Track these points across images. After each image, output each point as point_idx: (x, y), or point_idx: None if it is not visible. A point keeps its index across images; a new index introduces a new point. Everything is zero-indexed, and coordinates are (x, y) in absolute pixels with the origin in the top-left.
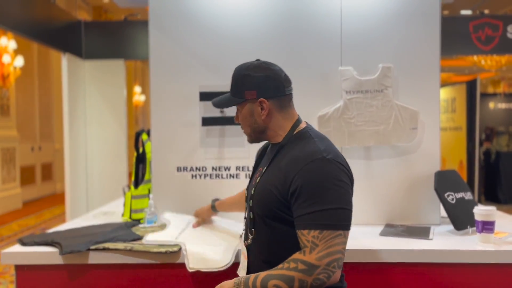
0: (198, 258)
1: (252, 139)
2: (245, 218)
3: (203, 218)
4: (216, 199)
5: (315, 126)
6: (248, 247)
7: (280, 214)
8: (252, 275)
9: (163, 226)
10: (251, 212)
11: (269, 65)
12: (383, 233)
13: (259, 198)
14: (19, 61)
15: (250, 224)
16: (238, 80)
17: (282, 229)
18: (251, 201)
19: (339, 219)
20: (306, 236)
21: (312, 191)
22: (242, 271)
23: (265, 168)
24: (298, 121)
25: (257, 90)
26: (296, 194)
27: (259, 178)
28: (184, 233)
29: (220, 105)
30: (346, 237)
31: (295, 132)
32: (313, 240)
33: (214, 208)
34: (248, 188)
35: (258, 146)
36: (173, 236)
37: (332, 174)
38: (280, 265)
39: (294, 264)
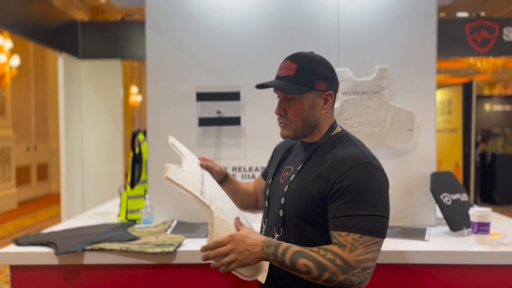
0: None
1: (296, 136)
2: (265, 216)
3: (212, 167)
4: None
5: None
6: None
7: (314, 216)
8: (283, 244)
9: (159, 226)
10: (280, 210)
11: (327, 60)
12: None
13: (294, 198)
14: (15, 61)
15: (278, 222)
16: (306, 69)
17: (311, 231)
18: (282, 199)
19: (380, 226)
20: (344, 237)
21: (357, 195)
22: (263, 272)
23: (300, 167)
24: (335, 124)
25: (327, 82)
26: (337, 195)
27: (293, 176)
28: (206, 189)
29: (283, 89)
30: (381, 245)
31: (332, 134)
32: (353, 242)
33: (227, 178)
34: (270, 185)
35: (256, 146)
36: (198, 188)
37: (377, 181)
38: (315, 249)
39: (331, 256)
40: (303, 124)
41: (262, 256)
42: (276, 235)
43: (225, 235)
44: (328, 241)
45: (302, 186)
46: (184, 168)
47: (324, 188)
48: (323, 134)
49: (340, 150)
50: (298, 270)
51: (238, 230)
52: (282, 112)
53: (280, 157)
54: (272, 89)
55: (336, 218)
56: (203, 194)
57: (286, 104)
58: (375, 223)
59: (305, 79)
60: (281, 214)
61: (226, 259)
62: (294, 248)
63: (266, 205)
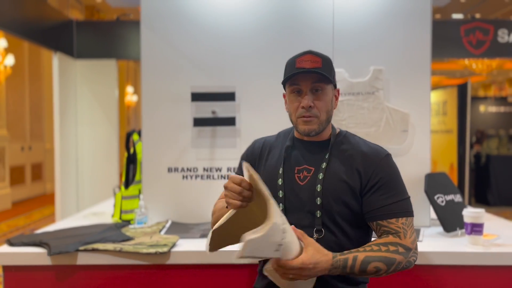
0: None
1: (320, 129)
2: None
3: None
4: None
5: None
6: None
7: (353, 212)
8: (349, 258)
9: (153, 227)
10: (318, 211)
11: None
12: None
13: (334, 196)
14: (10, 60)
15: (317, 224)
16: (328, 63)
17: (348, 228)
18: (318, 199)
19: (411, 206)
20: (395, 223)
21: (392, 184)
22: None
23: (325, 165)
24: None
25: (335, 79)
26: (376, 187)
27: (321, 175)
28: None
29: (324, 76)
30: None
31: (337, 132)
32: (403, 226)
33: None
34: (284, 188)
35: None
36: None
37: (397, 168)
38: (376, 246)
39: (394, 248)
40: (326, 118)
41: (328, 274)
42: (316, 236)
43: (294, 248)
44: (360, 236)
45: (338, 184)
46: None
47: (360, 182)
48: (331, 132)
49: (358, 146)
50: (367, 274)
51: (301, 242)
52: (309, 104)
53: (277, 158)
54: (268, 89)
55: (381, 208)
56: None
57: (313, 96)
58: (409, 205)
59: (330, 72)
60: (318, 215)
61: (291, 276)
62: (360, 256)
63: (281, 207)
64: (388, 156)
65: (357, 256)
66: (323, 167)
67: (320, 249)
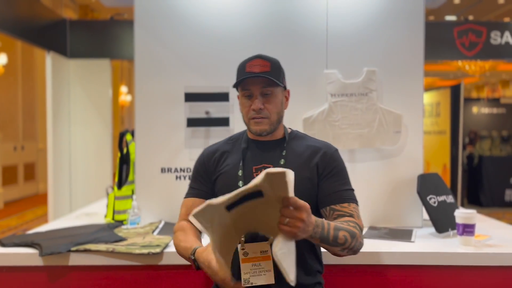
0: None
1: (272, 129)
2: None
3: None
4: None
5: (300, 129)
6: (272, 245)
7: (311, 201)
8: (324, 222)
9: (146, 227)
10: None
11: None
12: (366, 235)
13: (294, 187)
14: (3, 59)
15: None
16: (277, 66)
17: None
18: None
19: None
20: (348, 207)
21: (344, 174)
22: (265, 274)
23: (283, 161)
24: None
25: (285, 80)
26: (330, 175)
27: None
28: None
29: (271, 80)
30: None
31: (289, 131)
32: (355, 210)
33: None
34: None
35: None
36: None
37: (343, 162)
38: (339, 222)
39: (354, 224)
40: (277, 118)
41: (311, 235)
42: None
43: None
44: None
45: (298, 178)
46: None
47: (317, 173)
48: (283, 131)
49: (309, 143)
50: (337, 243)
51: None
52: (260, 106)
53: (235, 162)
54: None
55: (335, 193)
56: None
57: (262, 99)
58: (354, 195)
59: (279, 75)
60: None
61: (300, 224)
62: (331, 224)
63: None
64: (337, 150)
65: (329, 222)
66: (282, 163)
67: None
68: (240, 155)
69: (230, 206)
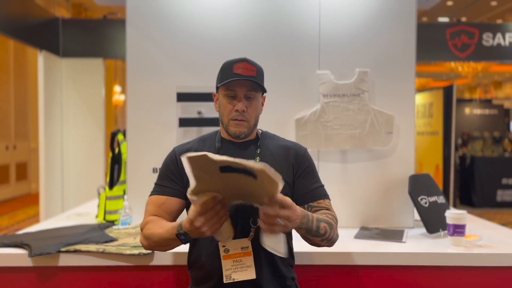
0: None
1: (249, 133)
2: (232, 213)
3: None
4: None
5: (293, 129)
6: (253, 241)
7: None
8: (309, 213)
9: (137, 228)
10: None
11: None
12: (357, 236)
13: None
14: None
15: (253, 215)
16: (261, 72)
17: None
18: None
19: None
20: (323, 203)
21: (315, 172)
22: (246, 270)
23: (258, 160)
24: None
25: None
26: (304, 173)
27: None
28: None
29: (259, 85)
30: None
31: (260, 132)
32: (329, 205)
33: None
34: None
35: None
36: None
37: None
38: (319, 214)
39: (331, 216)
40: (254, 123)
41: (298, 226)
42: (253, 227)
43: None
44: None
45: None
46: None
47: (291, 171)
48: (256, 132)
49: (280, 142)
50: (319, 234)
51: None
52: (242, 109)
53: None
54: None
55: (311, 191)
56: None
57: (246, 102)
58: (326, 190)
59: (262, 81)
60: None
61: (282, 222)
62: (314, 215)
63: None
64: (307, 150)
65: (312, 214)
66: (257, 161)
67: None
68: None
69: (225, 168)
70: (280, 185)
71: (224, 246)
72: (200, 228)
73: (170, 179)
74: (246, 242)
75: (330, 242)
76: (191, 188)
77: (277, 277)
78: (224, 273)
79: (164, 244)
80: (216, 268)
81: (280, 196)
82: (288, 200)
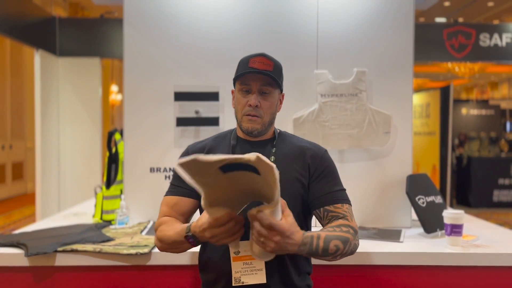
0: None
1: (263, 130)
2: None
3: None
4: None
5: (290, 129)
6: None
7: (302, 201)
8: (314, 237)
9: (134, 227)
10: None
11: None
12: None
13: (286, 188)
14: None
15: None
16: (279, 68)
17: (297, 218)
18: None
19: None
20: (341, 208)
21: (335, 174)
22: (256, 273)
23: (273, 160)
24: None
25: (282, 84)
26: (322, 175)
27: None
28: None
29: (275, 80)
30: None
31: (278, 132)
32: (348, 211)
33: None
34: None
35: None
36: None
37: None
38: (331, 228)
39: (346, 229)
40: (270, 119)
41: (296, 251)
42: None
43: (279, 215)
44: (302, 227)
45: (288, 176)
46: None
47: (308, 173)
48: (273, 131)
49: (298, 143)
50: (327, 254)
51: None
52: (256, 104)
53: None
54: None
55: (328, 194)
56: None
57: (260, 97)
58: (347, 195)
59: (279, 76)
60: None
61: (272, 245)
62: (322, 234)
63: None
64: (327, 151)
65: (320, 234)
66: (272, 160)
67: (295, 222)
68: (230, 152)
69: (226, 168)
70: (276, 172)
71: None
72: (209, 239)
73: (180, 178)
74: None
75: (346, 255)
76: (203, 198)
77: (288, 285)
78: (234, 275)
79: (176, 246)
80: (226, 270)
81: (267, 219)
82: (275, 224)
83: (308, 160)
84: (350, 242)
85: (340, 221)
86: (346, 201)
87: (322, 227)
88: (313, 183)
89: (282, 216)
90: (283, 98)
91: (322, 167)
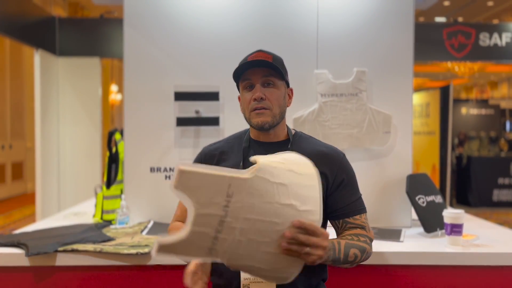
0: None
1: (274, 122)
2: None
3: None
4: None
5: None
6: None
7: None
8: (333, 241)
9: (135, 227)
10: None
11: None
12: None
13: None
14: None
15: None
16: (279, 60)
17: None
18: None
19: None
20: (360, 219)
21: (354, 181)
22: (265, 282)
23: None
24: None
25: (288, 79)
26: (343, 185)
27: None
28: None
29: (275, 68)
30: None
31: (293, 133)
32: (366, 221)
33: None
34: None
35: None
36: None
37: (352, 167)
38: (349, 236)
39: (364, 239)
40: (279, 112)
41: (324, 259)
42: None
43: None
44: None
45: None
46: None
47: (325, 179)
48: (287, 132)
49: (317, 146)
50: (346, 261)
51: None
52: (261, 96)
53: (234, 161)
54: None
55: (348, 205)
56: None
57: (264, 89)
58: (363, 201)
59: (281, 68)
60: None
61: (308, 249)
62: (342, 241)
63: None
64: (345, 155)
65: (340, 241)
66: None
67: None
68: (241, 155)
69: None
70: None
71: None
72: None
73: None
74: None
75: (359, 263)
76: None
77: None
78: (242, 282)
79: None
80: (235, 277)
81: (312, 226)
82: (324, 230)
83: (326, 168)
84: (367, 252)
85: (358, 231)
86: (364, 210)
87: (336, 235)
88: (333, 192)
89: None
90: (292, 93)
91: (341, 176)
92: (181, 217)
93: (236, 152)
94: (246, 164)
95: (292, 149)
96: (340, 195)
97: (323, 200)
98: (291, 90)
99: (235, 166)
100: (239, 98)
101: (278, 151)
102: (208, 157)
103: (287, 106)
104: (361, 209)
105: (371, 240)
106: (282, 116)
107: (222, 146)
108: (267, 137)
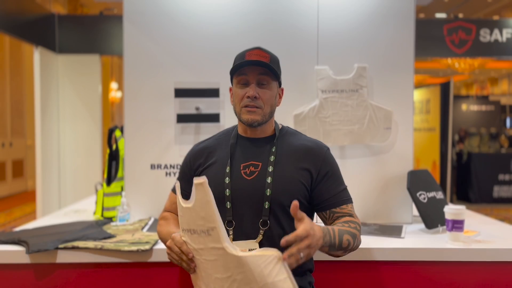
0: None
1: (263, 121)
2: (229, 217)
3: None
4: None
5: (291, 125)
6: (260, 244)
7: (303, 201)
8: (328, 227)
9: (135, 224)
10: (266, 202)
11: None
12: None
13: (285, 187)
14: None
15: (264, 215)
16: (276, 60)
17: (293, 222)
18: (268, 190)
19: None
20: (346, 208)
21: (338, 174)
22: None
23: (274, 159)
24: None
25: (280, 78)
26: (327, 177)
27: (271, 168)
28: None
29: (272, 70)
30: None
31: (280, 128)
32: (352, 210)
33: None
34: (231, 186)
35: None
36: None
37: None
38: (339, 224)
39: (354, 225)
40: (270, 111)
41: (322, 246)
42: (262, 229)
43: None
44: None
45: (288, 176)
46: None
47: (310, 177)
48: (274, 128)
49: (300, 140)
50: (341, 247)
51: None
52: (254, 95)
53: (223, 158)
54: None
55: (334, 196)
56: None
57: (258, 89)
58: (349, 192)
59: (277, 69)
60: (266, 206)
61: (302, 255)
62: (335, 229)
63: (229, 206)
64: (328, 149)
65: (333, 228)
66: (272, 160)
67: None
68: (229, 151)
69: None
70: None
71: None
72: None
73: (182, 178)
74: (253, 244)
75: (351, 251)
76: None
77: None
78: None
79: (165, 244)
80: None
81: (292, 234)
82: (302, 231)
83: (311, 161)
84: (357, 238)
85: (347, 218)
86: (350, 200)
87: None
88: (318, 185)
89: (297, 219)
90: (282, 93)
91: (325, 168)
92: (170, 209)
93: (223, 148)
94: (233, 160)
95: (277, 145)
96: (326, 186)
97: (309, 194)
98: (282, 90)
99: (223, 162)
100: (230, 89)
101: (264, 147)
102: (197, 155)
103: (277, 106)
104: (347, 199)
105: (360, 227)
106: (271, 115)
107: (210, 144)
108: (254, 133)
